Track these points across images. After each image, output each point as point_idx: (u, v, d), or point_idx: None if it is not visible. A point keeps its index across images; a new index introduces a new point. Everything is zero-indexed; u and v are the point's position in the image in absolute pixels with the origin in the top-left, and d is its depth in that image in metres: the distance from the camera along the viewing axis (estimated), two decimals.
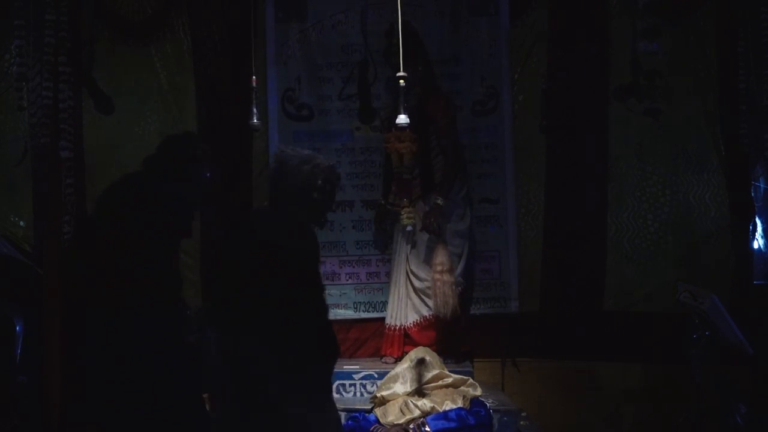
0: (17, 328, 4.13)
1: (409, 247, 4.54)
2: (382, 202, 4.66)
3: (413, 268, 4.54)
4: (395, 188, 4.54)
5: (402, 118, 3.28)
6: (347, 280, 4.84)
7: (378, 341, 4.73)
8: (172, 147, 2.87)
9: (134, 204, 2.69)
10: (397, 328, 4.58)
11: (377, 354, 4.69)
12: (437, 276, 4.41)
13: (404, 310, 4.55)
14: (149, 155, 2.87)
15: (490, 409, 3.96)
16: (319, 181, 2.77)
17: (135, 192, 2.74)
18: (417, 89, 4.40)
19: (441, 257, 4.43)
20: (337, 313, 4.79)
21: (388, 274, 4.75)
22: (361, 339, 4.86)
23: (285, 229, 2.71)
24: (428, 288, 4.47)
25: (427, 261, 4.48)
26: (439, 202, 4.39)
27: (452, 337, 4.54)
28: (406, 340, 4.56)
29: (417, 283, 4.53)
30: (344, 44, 4.86)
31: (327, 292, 4.64)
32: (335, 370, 4.29)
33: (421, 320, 4.53)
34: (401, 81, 3.26)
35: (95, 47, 4.48)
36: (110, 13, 4.68)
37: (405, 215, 4.39)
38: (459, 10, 4.84)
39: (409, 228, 4.40)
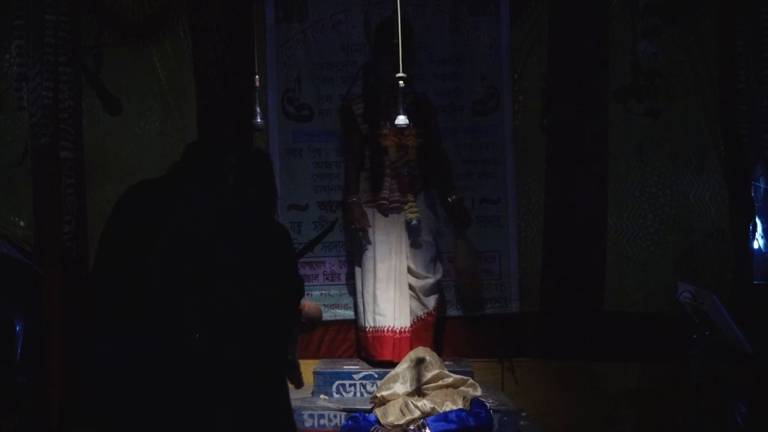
0: (17, 328, 4.12)
1: (408, 243, 4.48)
2: (354, 199, 4.49)
3: (414, 266, 4.49)
4: (392, 184, 4.47)
5: (401, 119, 3.28)
6: (347, 281, 4.83)
7: None
8: (202, 157, 2.79)
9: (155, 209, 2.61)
10: (406, 330, 4.45)
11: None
12: (465, 270, 4.62)
13: (405, 310, 4.47)
14: (177, 162, 2.78)
15: (490, 409, 3.95)
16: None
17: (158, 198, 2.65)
18: (407, 88, 4.39)
19: (467, 249, 4.61)
20: (336, 314, 4.79)
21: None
22: None
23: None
24: (428, 285, 4.49)
25: (426, 258, 4.50)
26: (456, 196, 4.61)
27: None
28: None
29: (415, 282, 4.50)
30: (344, 44, 4.86)
31: (327, 292, 4.76)
32: (335, 370, 4.38)
33: (420, 319, 4.52)
34: (401, 81, 3.26)
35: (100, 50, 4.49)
36: (110, 13, 4.68)
37: (409, 209, 4.40)
38: (459, 9, 4.85)
39: (414, 222, 4.41)
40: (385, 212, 4.46)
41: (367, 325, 4.49)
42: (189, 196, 2.57)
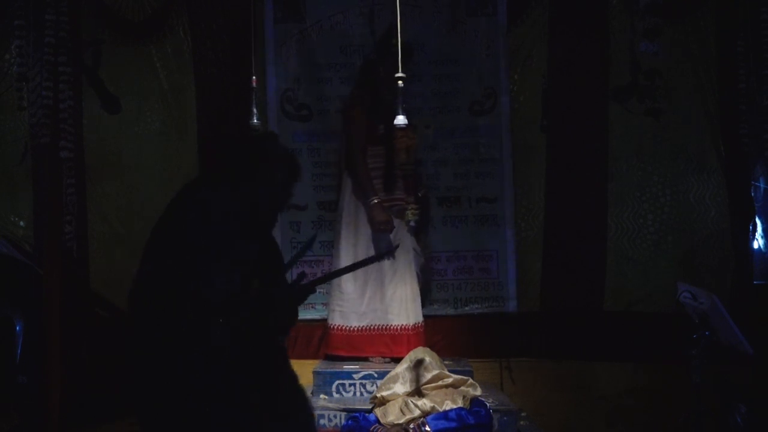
0: (17, 328, 4.12)
1: (413, 242, 4.52)
2: (377, 200, 4.36)
3: (416, 265, 4.54)
4: (401, 184, 4.44)
5: (401, 119, 3.29)
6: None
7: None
8: (254, 148, 2.67)
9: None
10: (419, 324, 4.46)
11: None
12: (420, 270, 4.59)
13: (419, 304, 4.48)
14: (228, 155, 2.68)
15: (490, 409, 3.95)
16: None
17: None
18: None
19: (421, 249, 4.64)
20: None
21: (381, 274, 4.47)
22: None
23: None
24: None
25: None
26: (425, 190, 4.64)
27: None
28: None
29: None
30: (343, 45, 4.86)
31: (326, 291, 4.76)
32: (335, 370, 4.37)
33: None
34: (400, 82, 3.27)
35: (98, 47, 4.50)
36: (110, 13, 4.69)
37: (411, 210, 4.40)
38: (457, 10, 4.85)
39: (412, 223, 4.42)
40: (398, 213, 4.47)
41: (373, 323, 4.45)
42: (209, 203, 2.49)
